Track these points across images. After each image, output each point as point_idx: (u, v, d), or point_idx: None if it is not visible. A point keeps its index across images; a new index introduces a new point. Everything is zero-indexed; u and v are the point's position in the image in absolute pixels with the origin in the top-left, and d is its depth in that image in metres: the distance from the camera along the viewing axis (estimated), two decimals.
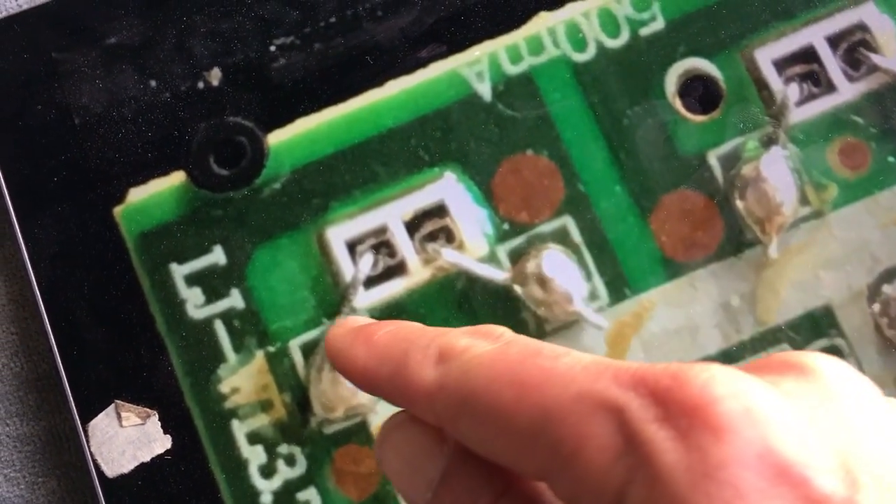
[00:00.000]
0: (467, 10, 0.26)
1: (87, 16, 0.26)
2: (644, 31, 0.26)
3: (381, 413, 0.24)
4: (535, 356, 0.15)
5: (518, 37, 0.26)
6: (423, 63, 0.26)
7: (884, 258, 0.24)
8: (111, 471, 0.24)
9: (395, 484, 0.18)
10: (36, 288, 0.25)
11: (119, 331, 0.25)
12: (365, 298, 0.25)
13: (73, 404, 0.25)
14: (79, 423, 0.24)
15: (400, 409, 0.18)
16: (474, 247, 0.25)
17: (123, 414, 0.24)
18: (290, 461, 0.24)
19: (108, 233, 0.25)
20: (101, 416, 0.24)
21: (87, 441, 0.24)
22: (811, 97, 0.25)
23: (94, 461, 0.24)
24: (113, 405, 0.24)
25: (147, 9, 0.26)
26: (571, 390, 0.14)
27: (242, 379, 0.24)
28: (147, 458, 0.24)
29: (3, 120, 0.26)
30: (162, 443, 0.24)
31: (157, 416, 0.24)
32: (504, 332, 0.17)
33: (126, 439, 0.24)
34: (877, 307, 0.24)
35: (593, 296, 0.25)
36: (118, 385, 0.25)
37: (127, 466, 0.24)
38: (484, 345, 0.16)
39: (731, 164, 0.25)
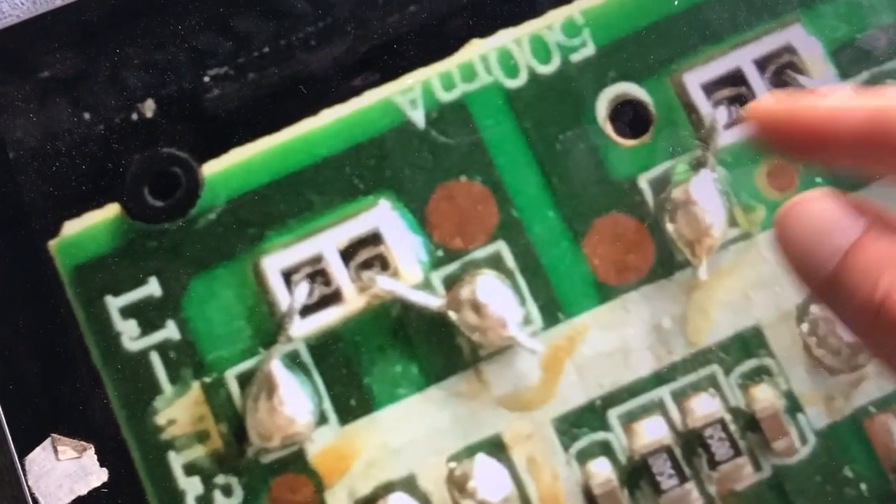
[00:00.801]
0: (400, 38, 0.26)
1: (20, 49, 0.26)
2: (575, 57, 0.26)
3: (317, 441, 0.24)
4: None
5: (450, 64, 0.26)
6: (356, 91, 0.26)
7: None
8: None
9: (791, 259, 0.15)
10: None
11: (55, 364, 0.25)
12: (301, 327, 0.25)
13: (9, 438, 0.25)
14: (16, 457, 0.25)
15: None
16: (409, 273, 0.25)
17: (60, 447, 0.24)
18: (227, 491, 0.24)
19: (43, 267, 0.25)
20: (37, 449, 0.24)
21: (25, 475, 0.24)
22: (740, 120, 0.26)
23: (32, 495, 0.24)
24: (49, 439, 0.24)
25: (80, 41, 0.26)
26: None
27: (178, 410, 0.25)
28: (84, 492, 0.24)
29: None
30: (98, 476, 0.24)
31: (93, 449, 0.24)
32: None
33: (63, 473, 0.24)
34: (805, 327, 0.25)
35: (527, 320, 0.25)
36: (55, 418, 0.25)
37: (64, 500, 0.24)
38: None
39: (661, 188, 0.25)
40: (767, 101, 0.17)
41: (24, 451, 0.25)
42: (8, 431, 0.25)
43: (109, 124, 0.26)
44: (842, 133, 0.15)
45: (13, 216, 0.26)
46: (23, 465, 0.24)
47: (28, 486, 0.24)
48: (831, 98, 0.16)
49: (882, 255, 0.14)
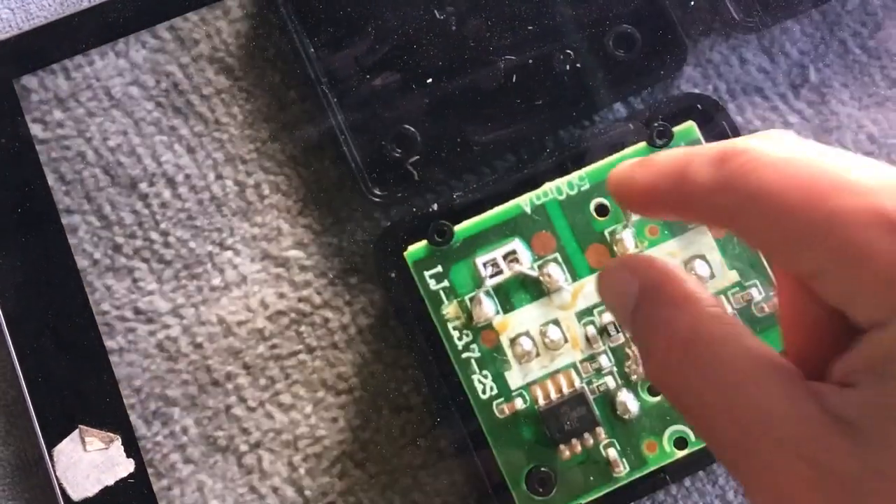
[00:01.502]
0: None
1: (48, 49, 0.27)
2: None
3: None
4: (827, 163, 0.16)
5: None
6: None
7: None
8: (76, 494, 0.25)
9: (609, 309, 0.20)
10: (1, 317, 0.26)
11: (81, 357, 0.25)
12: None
13: (38, 430, 0.25)
14: (44, 448, 0.25)
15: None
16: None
17: (87, 439, 0.25)
18: None
19: (70, 262, 0.26)
20: (65, 441, 0.25)
21: (53, 466, 0.25)
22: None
23: (60, 485, 0.25)
24: (77, 430, 0.25)
25: (107, 41, 0.27)
26: (864, 202, 0.15)
27: None
28: (111, 482, 0.25)
29: None
30: (125, 466, 0.25)
31: (120, 440, 0.25)
32: (786, 134, 0.18)
33: (90, 463, 0.25)
34: None
35: None
36: (82, 411, 0.25)
37: (91, 490, 0.25)
38: (768, 146, 0.17)
39: None
40: (616, 170, 0.20)
41: (53, 442, 0.25)
42: (37, 423, 0.25)
43: None
44: (657, 197, 0.19)
45: (41, 213, 0.26)
46: (51, 457, 0.25)
47: (56, 477, 0.25)
48: (653, 164, 0.19)
49: (641, 327, 0.19)
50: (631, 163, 0.20)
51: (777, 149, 0.17)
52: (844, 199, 0.15)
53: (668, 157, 0.19)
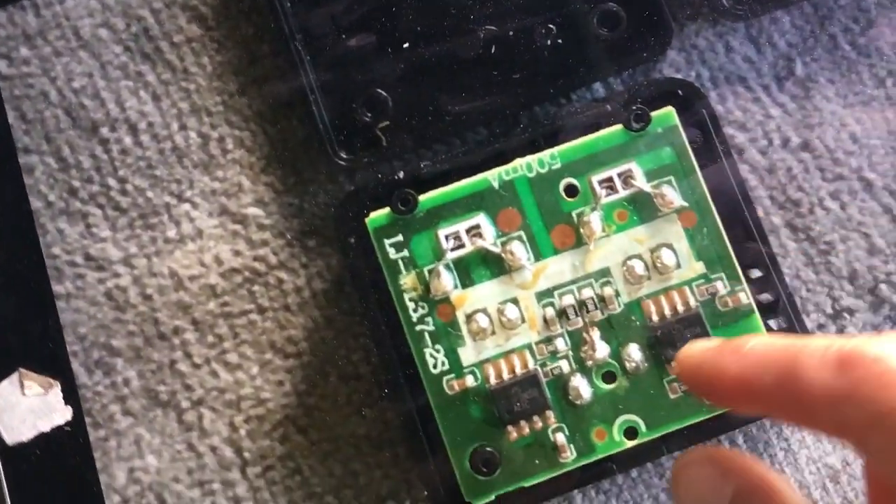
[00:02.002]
0: None
1: None
2: None
3: None
4: None
5: None
6: None
7: None
8: (11, 438, 0.24)
9: None
10: None
11: (29, 301, 0.25)
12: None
13: None
14: None
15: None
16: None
17: (26, 383, 0.24)
18: None
19: (24, 202, 0.25)
20: (4, 383, 0.25)
21: None
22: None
23: None
24: (17, 373, 0.25)
25: None
26: None
27: None
28: (47, 428, 0.24)
29: None
30: (63, 414, 0.24)
31: (59, 386, 0.25)
32: None
33: (27, 408, 0.24)
34: None
35: None
36: (23, 354, 0.25)
37: (26, 435, 0.24)
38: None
39: None
40: (693, 352, 0.18)
41: None
42: None
43: None
44: (755, 393, 0.17)
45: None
46: None
47: None
48: (747, 353, 0.17)
49: None
50: (713, 347, 0.18)
51: None
52: None
53: (769, 347, 0.17)
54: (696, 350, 0.18)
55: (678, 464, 0.18)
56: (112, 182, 0.27)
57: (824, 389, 0.15)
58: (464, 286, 0.25)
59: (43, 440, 0.24)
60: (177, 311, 0.26)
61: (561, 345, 0.25)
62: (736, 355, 0.17)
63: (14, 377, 0.25)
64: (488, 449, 0.25)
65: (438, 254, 0.25)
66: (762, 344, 0.17)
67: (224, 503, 0.25)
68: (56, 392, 0.25)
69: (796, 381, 0.16)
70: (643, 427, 0.25)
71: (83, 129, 0.27)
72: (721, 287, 0.25)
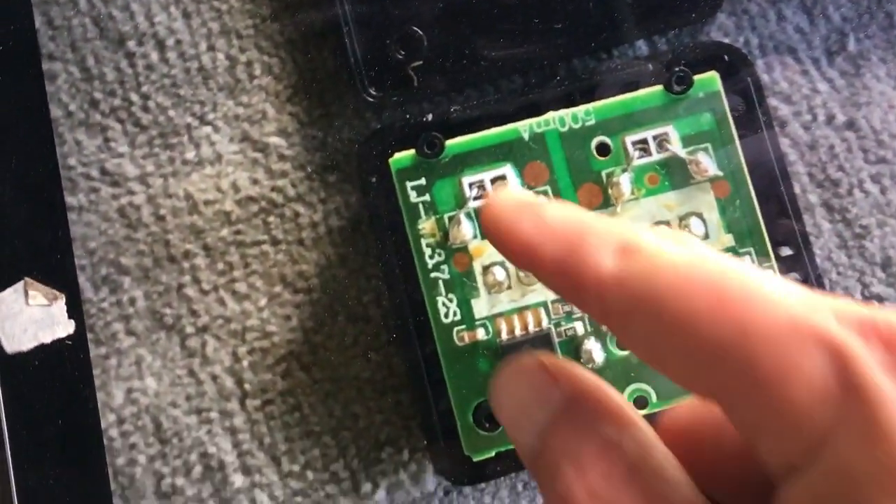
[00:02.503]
0: None
1: None
2: None
3: None
4: (738, 271, 0.14)
5: None
6: None
7: None
8: (11, 346, 0.24)
9: (506, 430, 0.17)
10: None
11: (40, 210, 0.24)
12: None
13: None
14: None
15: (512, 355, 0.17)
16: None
17: (31, 292, 0.24)
18: None
19: (44, 109, 0.25)
20: (8, 290, 0.24)
21: None
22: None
23: None
24: (22, 282, 0.24)
25: None
26: (781, 314, 0.13)
27: None
28: (48, 340, 0.24)
29: None
30: (65, 327, 0.24)
31: (64, 299, 0.24)
32: (696, 241, 0.16)
33: (30, 318, 0.24)
34: None
35: None
36: (30, 263, 0.24)
37: (27, 345, 0.24)
38: (675, 248, 0.15)
39: None
40: (501, 199, 0.17)
41: None
42: None
43: None
44: (537, 261, 0.16)
45: (17, 59, 0.25)
46: None
47: None
48: (543, 218, 0.16)
49: (566, 444, 0.15)
50: (520, 200, 0.17)
51: (683, 251, 0.15)
52: (757, 311, 0.13)
53: (564, 218, 0.16)
54: (505, 198, 0.17)
55: (500, 373, 0.17)
56: (134, 97, 0.26)
57: (598, 272, 0.15)
58: (483, 237, 0.25)
59: (43, 352, 0.24)
60: (189, 235, 0.26)
61: None
62: (533, 217, 0.16)
63: (19, 286, 0.24)
64: None
65: (460, 201, 0.25)
66: (560, 212, 0.16)
67: (220, 432, 0.25)
68: (60, 305, 0.24)
69: (577, 260, 0.15)
70: (654, 397, 0.24)
71: (110, 40, 0.26)
72: (749, 262, 0.24)
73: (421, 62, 0.26)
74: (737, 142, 0.25)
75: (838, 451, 0.12)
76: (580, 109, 0.25)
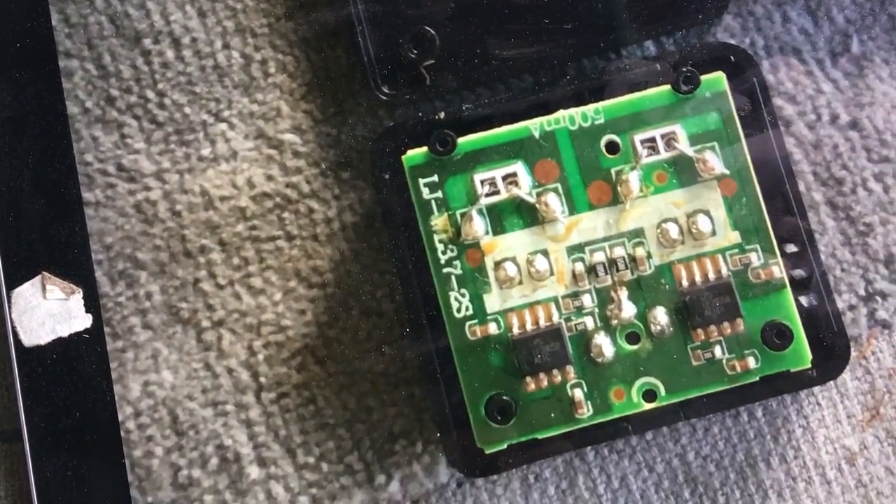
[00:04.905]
0: None
1: None
2: None
3: None
4: None
5: None
6: None
7: None
8: (28, 340, 0.24)
9: None
10: None
11: (57, 205, 0.25)
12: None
13: (0, 269, 0.24)
14: (3, 288, 0.24)
15: None
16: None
17: (49, 286, 0.24)
18: None
19: (61, 106, 0.25)
20: (26, 284, 0.24)
21: (10, 307, 0.24)
22: None
23: (14, 328, 0.24)
24: (40, 276, 0.24)
25: None
26: None
27: None
28: (65, 334, 0.24)
29: None
30: (82, 321, 0.24)
31: (81, 293, 0.24)
32: None
33: (47, 311, 0.24)
34: None
35: None
36: (48, 257, 0.25)
37: (44, 338, 0.24)
38: None
39: None
40: None
41: (13, 284, 0.25)
42: (0, 262, 0.24)
43: None
44: None
45: (34, 57, 0.25)
46: (9, 298, 0.24)
47: (11, 319, 0.24)
48: None
49: None
50: None
51: None
52: None
53: None
54: None
55: None
56: (150, 94, 0.26)
57: None
58: (495, 233, 0.25)
59: (60, 345, 0.24)
60: (204, 230, 0.26)
61: (587, 301, 0.25)
62: None
63: (36, 280, 0.24)
64: (505, 398, 0.25)
65: (472, 198, 0.25)
66: None
67: (236, 425, 0.25)
68: (77, 299, 0.24)
69: None
70: (663, 391, 0.25)
71: (126, 38, 0.27)
72: (755, 259, 0.25)
73: (433, 61, 0.26)
74: (743, 141, 0.25)
75: None
76: (590, 108, 0.26)
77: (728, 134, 0.25)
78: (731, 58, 0.26)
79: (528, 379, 0.24)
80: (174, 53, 0.27)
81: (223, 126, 0.26)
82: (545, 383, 0.24)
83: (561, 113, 0.26)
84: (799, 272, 0.25)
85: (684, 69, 0.26)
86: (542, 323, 0.25)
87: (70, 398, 0.24)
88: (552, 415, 0.25)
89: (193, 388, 0.25)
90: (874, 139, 0.27)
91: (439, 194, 0.25)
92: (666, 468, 0.26)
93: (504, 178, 0.25)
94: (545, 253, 0.25)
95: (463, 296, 0.25)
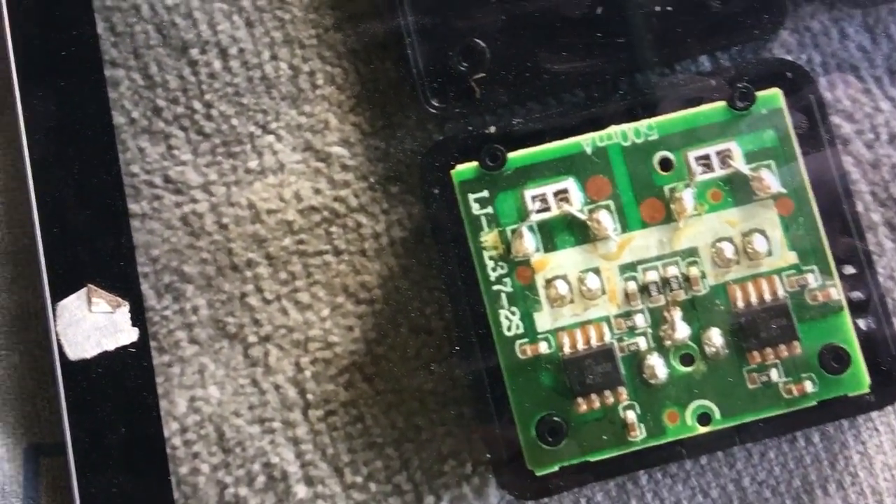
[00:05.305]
0: None
1: None
2: None
3: None
4: None
5: None
6: None
7: None
8: (74, 353, 0.24)
9: None
10: (27, 159, 0.25)
11: (103, 217, 0.24)
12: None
13: (46, 281, 0.24)
14: (49, 300, 0.24)
15: None
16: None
17: (94, 299, 0.24)
18: None
19: (107, 116, 0.25)
20: (72, 297, 0.24)
21: (55, 320, 0.24)
22: None
23: (59, 342, 0.24)
24: (86, 289, 0.24)
25: None
26: None
27: None
28: (111, 347, 0.24)
29: None
30: (128, 335, 0.24)
31: (128, 307, 0.24)
32: None
33: (93, 325, 0.24)
34: None
35: None
36: (94, 270, 0.24)
37: (90, 352, 0.24)
38: None
39: None
40: None
41: (58, 296, 0.24)
42: (45, 274, 0.24)
43: None
44: None
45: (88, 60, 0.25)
46: (54, 311, 0.24)
47: (56, 333, 0.24)
48: None
49: None
50: None
51: None
52: None
53: None
54: None
55: None
56: (197, 105, 0.26)
57: None
58: (546, 250, 0.25)
59: (106, 359, 0.24)
60: (251, 244, 0.26)
61: (640, 321, 0.24)
62: None
63: (82, 293, 0.24)
64: (556, 419, 0.24)
65: (523, 214, 0.25)
66: None
67: (283, 442, 0.25)
68: (123, 312, 0.24)
69: None
70: (717, 414, 0.24)
71: (173, 48, 0.26)
72: (812, 280, 0.24)
73: (483, 74, 0.26)
74: (800, 159, 0.25)
75: None
76: (643, 124, 0.25)
77: (784, 152, 0.25)
78: (788, 74, 0.26)
79: (580, 400, 0.24)
80: (221, 64, 0.26)
81: (270, 138, 0.26)
82: (597, 404, 0.24)
83: (613, 128, 0.25)
84: (857, 294, 0.25)
85: (740, 85, 0.25)
86: (594, 343, 0.24)
87: (115, 413, 0.24)
88: (604, 437, 0.24)
89: (240, 404, 0.25)
90: None
91: (489, 210, 0.25)
92: (721, 493, 0.25)
93: (555, 194, 0.25)
94: (597, 271, 0.25)
95: (513, 314, 0.25)
